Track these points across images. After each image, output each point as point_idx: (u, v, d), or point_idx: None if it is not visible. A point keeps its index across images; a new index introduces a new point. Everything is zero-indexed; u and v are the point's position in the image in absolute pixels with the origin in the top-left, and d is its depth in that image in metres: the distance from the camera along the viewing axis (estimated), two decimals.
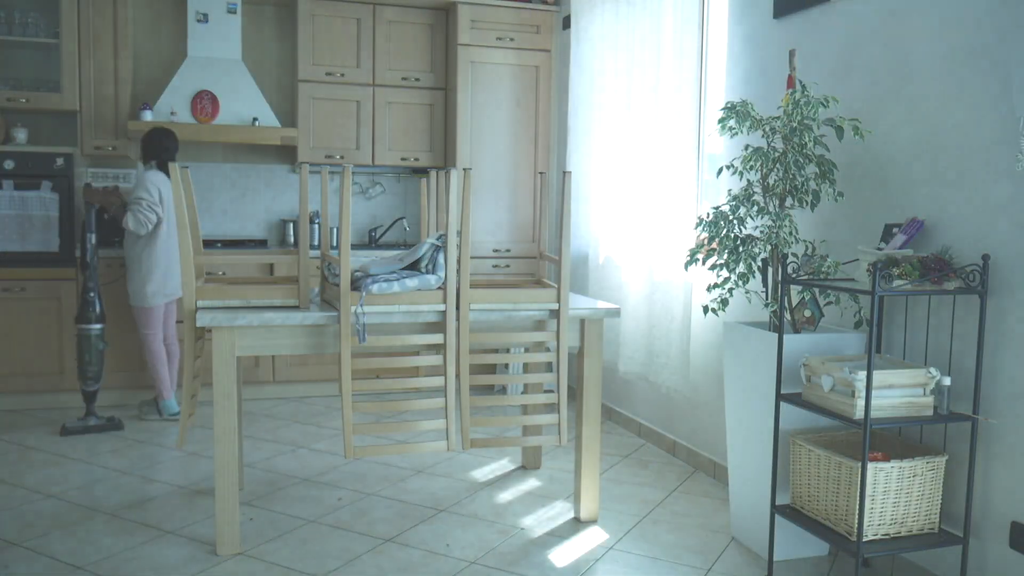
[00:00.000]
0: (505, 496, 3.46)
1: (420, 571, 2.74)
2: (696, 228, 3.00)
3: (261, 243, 5.26)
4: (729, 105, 2.83)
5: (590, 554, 2.91)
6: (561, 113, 5.28)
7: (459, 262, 2.88)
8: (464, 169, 2.87)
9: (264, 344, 2.83)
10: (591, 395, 3.14)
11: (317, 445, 4.11)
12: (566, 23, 5.21)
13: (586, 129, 4.72)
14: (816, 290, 2.82)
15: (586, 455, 3.16)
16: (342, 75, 5.15)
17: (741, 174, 2.85)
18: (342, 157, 5.21)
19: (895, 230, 2.66)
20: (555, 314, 3.03)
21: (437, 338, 2.90)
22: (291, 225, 5.36)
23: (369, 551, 2.89)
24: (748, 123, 2.80)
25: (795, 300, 2.87)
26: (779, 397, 2.67)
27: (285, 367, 4.97)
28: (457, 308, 2.89)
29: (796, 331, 2.85)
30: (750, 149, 2.82)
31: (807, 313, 2.84)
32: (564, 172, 3.00)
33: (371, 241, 5.48)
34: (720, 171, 3.05)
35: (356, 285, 2.79)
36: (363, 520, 3.17)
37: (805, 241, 2.87)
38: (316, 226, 5.37)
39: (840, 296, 2.85)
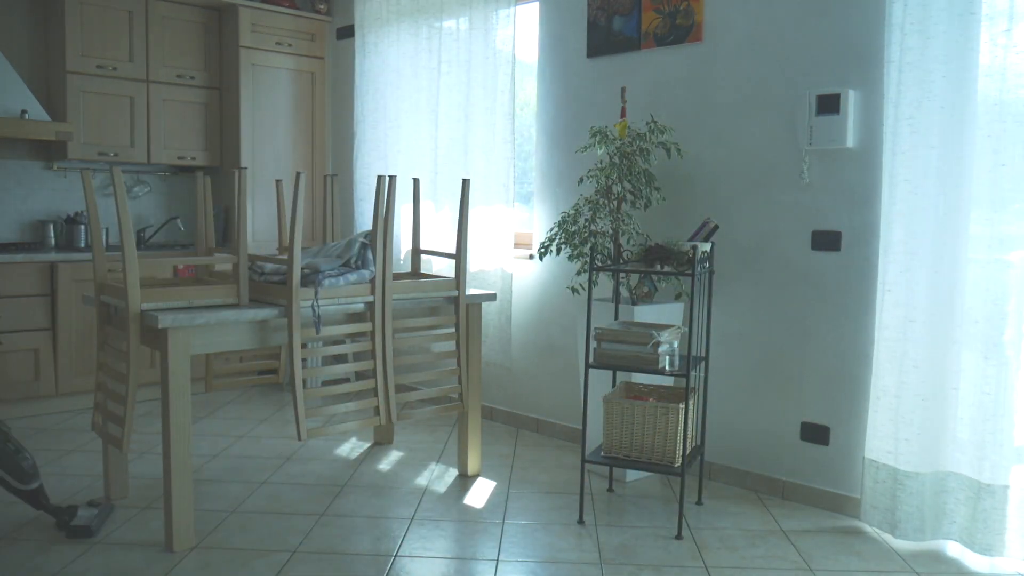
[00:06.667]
0: (384, 467, 3.87)
1: (375, 531, 3.11)
2: (551, 229, 3.76)
3: (25, 246, 4.81)
4: (595, 129, 3.62)
5: (496, 496, 3.50)
6: (337, 118, 5.62)
7: (384, 258, 3.26)
8: (390, 176, 3.25)
9: (214, 342, 2.95)
10: (473, 368, 3.70)
11: (157, 449, 4.06)
12: (340, 33, 5.56)
13: (377, 137, 5.15)
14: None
15: (471, 420, 3.72)
16: (114, 69, 4.92)
17: (596, 179, 3.66)
18: (116, 155, 4.98)
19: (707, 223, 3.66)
20: (452, 300, 3.54)
21: (366, 325, 3.25)
22: (51, 226, 4.97)
23: (315, 525, 3.15)
24: (605, 143, 3.61)
25: (634, 279, 3.76)
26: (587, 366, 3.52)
27: (69, 378, 4.66)
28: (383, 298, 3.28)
29: (634, 303, 3.73)
30: (604, 163, 3.64)
31: (645, 289, 3.74)
32: (464, 180, 3.51)
33: (140, 242, 5.29)
34: (581, 180, 3.82)
35: (308, 281, 3.05)
36: (282, 503, 3.38)
37: (641, 233, 3.76)
38: (82, 227, 5.04)
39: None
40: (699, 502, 3.45)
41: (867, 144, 3.24)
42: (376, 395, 3.29)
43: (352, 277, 3.16)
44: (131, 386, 2.91)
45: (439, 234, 4.76)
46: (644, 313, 3.60)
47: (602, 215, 3.69)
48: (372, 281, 3.24)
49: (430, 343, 3.81)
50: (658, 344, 3.11)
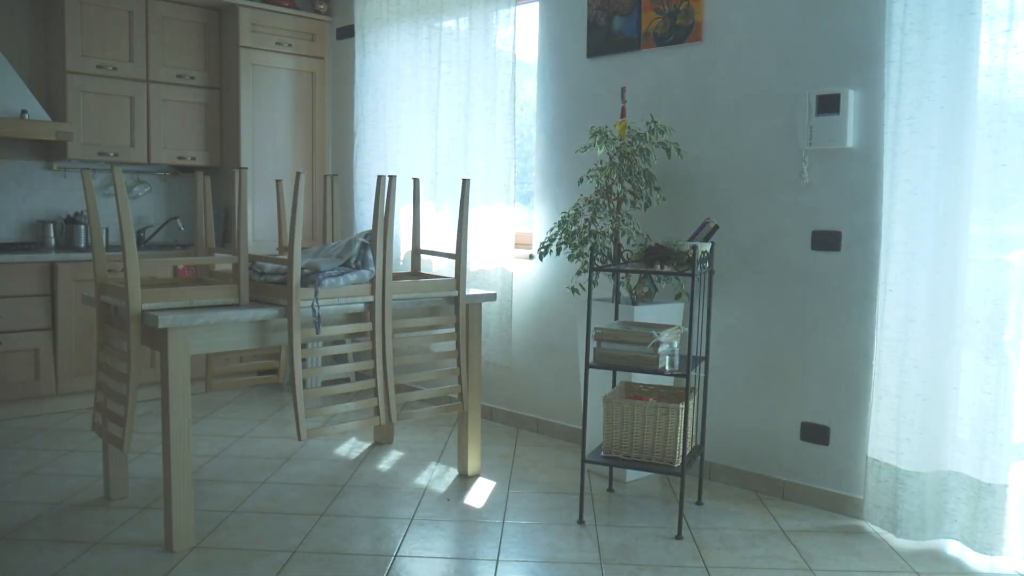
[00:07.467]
0: (384, 467, 3.87)
1: (375, 531, 3.10)
2: (551, 229, 3.77)
3: (25, 246, 4.80)
4: (595, 129, 3.63)
5: (496, 496, 3.50)
6: (337, 118, 5.62)
7: (384, 258, 3.26)
8: (390, 176, 3.25)
9: (214, 342, 2.95)
10: (473, 368, 3.70)
11: (157, 449, 4.06)
12: (340, 33, 5.56)
13: (377, 137, 5.15)
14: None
15: (471, 420, 3.72)
16: (114, 69, 4.92)
17: (596, 179, 3.66)
18: (116, 155, 4.98)
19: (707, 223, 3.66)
20: (452, 300, 3.54)
21: (366, 325, 3.25)
22: (51, 227, 4.97)
23: (315, 525, 3.15)
24: (605, 143, 3.61)
25: (634, 279, 3.76)
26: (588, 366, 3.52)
27: (69, 378, 4.66)
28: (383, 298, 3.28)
29: (634, 303, 3.73)
30: (604, 163, 3.64)
31: (645, 289, 3.74)
32: (464, 180, 3.51)
33: (140, 242, 5.28)
34: (581, 180, 3.82)
35: (308, 281, 3.05)
36: (282, 503, 3.37)
37: (641, 233, 3.76)
38: (82, 227, 5.04)
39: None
40: (699, 502, 3.45)
41: (867, 144, 3.24)
42: (376, 395, 3.29)
43: (352, 277, 3.16)
44: (132, 386, 2.91)
45: (439, 234, 4.76)
46: (644, 313, 3.60)
47: (602, 215, 3.69)
48: (372, 281, 3.24)
49: (430, 343, 3.81)
50: (658, 344, 3.11)
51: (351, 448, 4.14)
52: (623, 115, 3.75)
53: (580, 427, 3.99)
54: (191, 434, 2.98)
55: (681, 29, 3.78)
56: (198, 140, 5.32)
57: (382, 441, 4.23)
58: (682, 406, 3.13)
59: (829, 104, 3.28)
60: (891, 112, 3.05)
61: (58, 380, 4.64)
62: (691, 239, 3.52)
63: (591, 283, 3.42)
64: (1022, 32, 2.76)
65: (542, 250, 3.87)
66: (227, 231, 5.44)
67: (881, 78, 3.15)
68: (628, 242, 3.75)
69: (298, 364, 3.04)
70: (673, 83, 3.83)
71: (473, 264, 4.58)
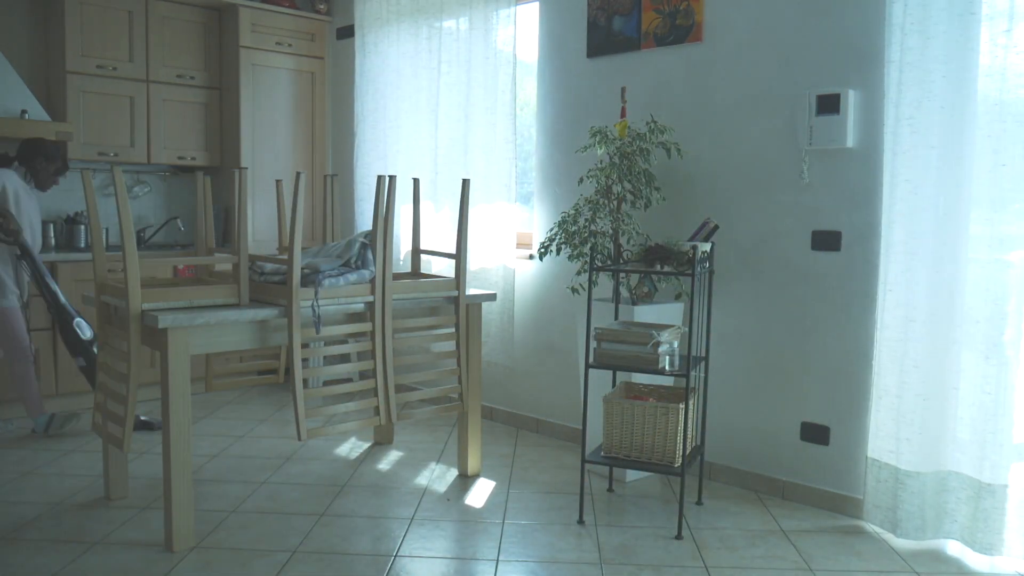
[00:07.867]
0: (384, 467, 3.87)
1: (375, 531, 3.11)
2: (551, 229, 3.78)
3: None
4: (595, 129, 3.63)
5: (496, 496, 3.50)
6: (337, 118, 5.63)
7: (384, 258, 3.26)
8: (390, 176, 3.25)
9: (214, 342, 2.95)
10: (473, 368, 3.70)
11: (157, 449, 4.06)
12: (340, 33, 5.57)
13: (377, 137, 5.15)
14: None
15: (471, 420, 3.72)
16: (114, 69, 4.93)
17: (596, 179, 3.67)
18: (116, 155, 4.98)
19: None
20: (452, 300, 3.54)
21: (366, 325, 3.25)
22: (51, 227, 4.97)
23: (315, 525, 3.15)
24: (605, 143, 3.62)
25: (634, 279, 3.76)
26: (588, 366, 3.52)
27: (69, 378, 4.66)
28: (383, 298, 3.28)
29: (634, 303, 3.73)
30: (604, 163, 3.64)
31: (645, 289, 3.74)
32: (464, 180, 3.51)
33: (140, 242, 5.29)
34: (581, 180, 3.82)
35: (308, 281, 3.05)
36: (282, 503, 3.38)
37: (641, 233, 3.77)
38: (82, 227, 5.04)
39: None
40: (699, 502, 3.45)
41: (867, 144, 3.24)
42: (376, 395, 3.29)
43: (352, 277, 3.16)
44: (132, 386, 2.91)
45: (439, 234, 4.76)
46: (644, 313, 3.60)
47: (602, 215, 3.69)
48: (372, 281, 3.24)
49: (430, 343, 3.81)
50: (658, 344, 3.11)
51: (351, 448, 4.14)
52: (623, 115, 3.75)
53: (580, 427, 3.98)
54: (191, 434, 2.98)
55: (681, 29, 3.78)
56: (198, 140, 5.32)
57: (382, 441, 4.23)
58: (682, 406, 3.13)
59: (829, 104, 3.28)
60: (891, 112, 3.05)
61: (58, 380, 4.64)
62: (691, 239, 3.52)
63: (591, 283, 3.42)
64: (1022, 32, 2.76)
65: (542, 250, 3.87)
66: (227, 231, 5.44)
67: (881, 78, 3.15)
68: (628, 242, 3.74)
69: (298, 364, 3.04)
70: (673, 83, 3.84)
71: (474, 263, 4.58)
